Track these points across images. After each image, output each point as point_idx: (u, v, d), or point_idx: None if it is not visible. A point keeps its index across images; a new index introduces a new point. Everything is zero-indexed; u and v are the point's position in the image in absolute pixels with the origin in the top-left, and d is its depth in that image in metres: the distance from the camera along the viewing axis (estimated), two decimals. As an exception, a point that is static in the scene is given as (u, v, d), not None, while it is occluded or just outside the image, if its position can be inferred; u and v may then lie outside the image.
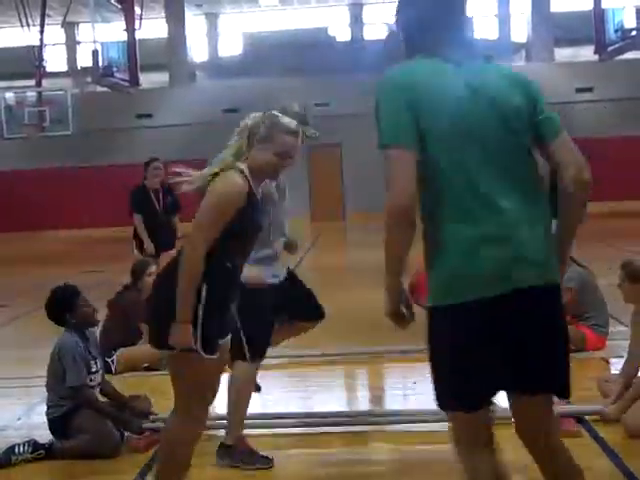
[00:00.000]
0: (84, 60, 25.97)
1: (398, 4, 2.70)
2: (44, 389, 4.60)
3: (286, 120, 3.40)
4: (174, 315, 3.14)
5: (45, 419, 4.52)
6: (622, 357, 4.97)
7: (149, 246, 8.49)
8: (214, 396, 3.45)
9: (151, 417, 4.66)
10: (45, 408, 4.55)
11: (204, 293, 3.16)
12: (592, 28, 21.27)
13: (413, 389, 5.60)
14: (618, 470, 3.82)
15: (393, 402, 5.55)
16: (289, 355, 6.09)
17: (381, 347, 6.51)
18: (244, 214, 3.21)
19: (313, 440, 4.53)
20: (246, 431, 4.27)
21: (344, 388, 6.04)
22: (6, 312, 9.71)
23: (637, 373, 4.59)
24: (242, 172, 3.25)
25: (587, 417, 4.50)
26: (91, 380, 4.52)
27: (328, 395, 5.65)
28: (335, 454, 4.40)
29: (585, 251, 7.48)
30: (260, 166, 3.32)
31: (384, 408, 5.41)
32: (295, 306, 4.50)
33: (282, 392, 5.68)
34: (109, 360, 6.04)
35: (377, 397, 5.69)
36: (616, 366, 5.39)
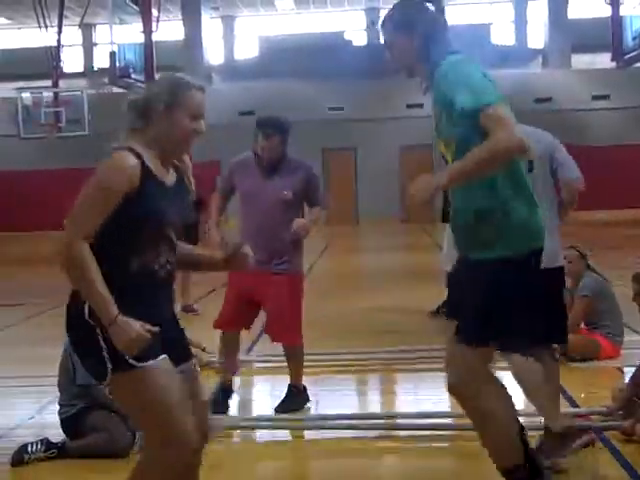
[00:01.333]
0: (101, 61, 26.14)
1: (407, 21, 3.20)
2: (56, 388, 4.61)
3: (187, 77, 2.81)
4: (92, 339, 2.61)
5: (57, 418, 4.53)
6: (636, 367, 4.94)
7: None
8: (201, 428, 2.74)
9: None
10: (57, 407, 4.56)
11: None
12: (609, 35, 21.19)
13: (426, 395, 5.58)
14: (632, 480, 3.80)
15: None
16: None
17: (395, 349, 6.51)
18: (138, 200, 2.62)
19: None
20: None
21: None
22: (20, 311, 9.76)
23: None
24: (132, 150, 2.68)
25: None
26: (103, 379, 4.51)
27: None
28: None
29: (602, 259, 7.45)
30: (171, 138, 2.73)
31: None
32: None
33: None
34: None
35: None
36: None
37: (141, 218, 2.65)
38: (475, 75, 3.00)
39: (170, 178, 2.80)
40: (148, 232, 2.68)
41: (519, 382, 4.02)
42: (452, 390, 3.15)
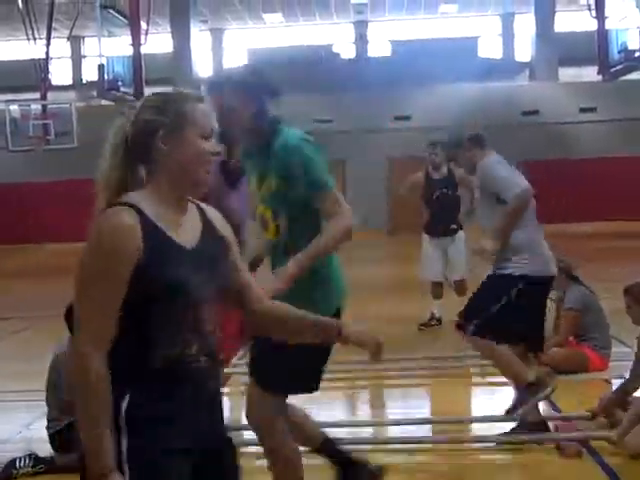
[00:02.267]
0: (89, 74, 26.12)
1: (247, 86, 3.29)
2: (44, 403, 4.59)
3: (185, 90, 2.15)
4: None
5: (46, 433, 4.51)
6: (624, 378, 4.97)
7: None
8: None
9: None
10: (45, 422, 4.54)
11: (125, 406, 1.91)
12: (596, 48, 21.36)
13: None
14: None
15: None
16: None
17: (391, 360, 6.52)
18: (144, 270, 1.91)
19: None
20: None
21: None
22: (6, 326, 9.71)
23: (635, 391, 4.60)
24: (125, 203, 1.96)
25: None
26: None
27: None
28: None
29: (588, 271, 7.49)
30: (183, 169, 2.02)
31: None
32: None
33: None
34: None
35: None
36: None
37: (152, 295, 1.93)
38: (318, 157, 3.26)
39: (190, 233, 2.04)
40: (164, 314, 1.94)
41: (489, 359, 4.79)
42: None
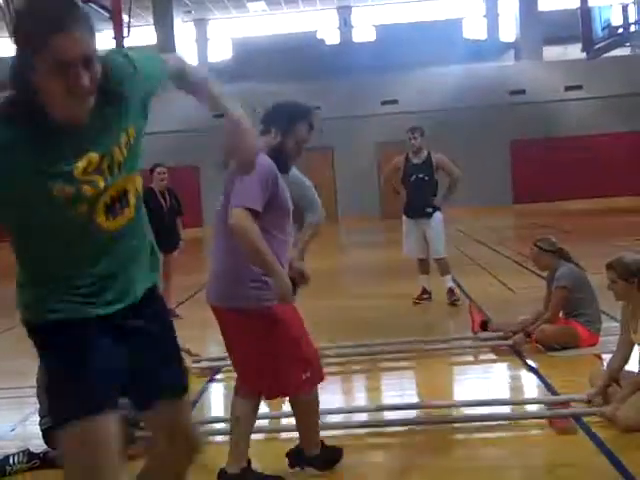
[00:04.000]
0: (73, 69, 25.89)
1: None
2: (37, 399, 4.58)
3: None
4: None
5: (39, 428, 4.50)
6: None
7: None
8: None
9: (142, 425, 4.65)
10: (38, 418, 4.53)
11: None
12: (579, 26, 21.38)
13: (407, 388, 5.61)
14: (612, 466, 3.83)
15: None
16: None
17: (376, 346, 6.54)
18: None
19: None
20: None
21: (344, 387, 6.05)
22: (-1, 323, 9.70)
23: (624, 366, 4.62)
24: None
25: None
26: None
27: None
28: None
29: (576, 248, 7.51)
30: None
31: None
32: None
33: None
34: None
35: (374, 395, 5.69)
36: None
37: None
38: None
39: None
40: None
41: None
42: None
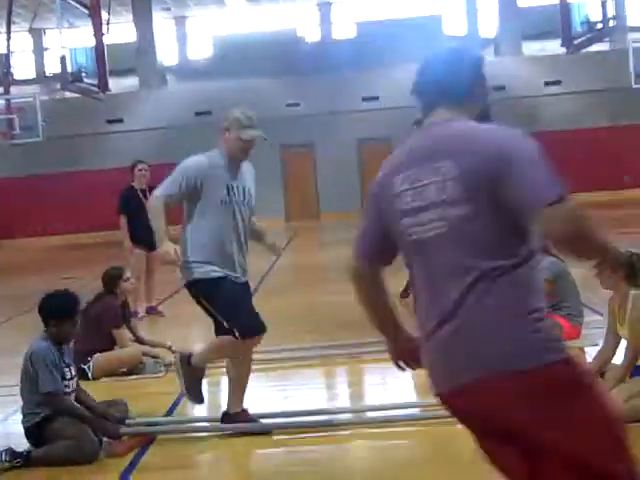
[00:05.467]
0: (52, 66, 25.76)
1: None
2: (20, 397, 4.55)
3: None
4: None
5: (22, 427, 4.48)
6: (598, 345, 5.03)
7: (128, 244, 8.85)
8: None
9: (127, 422, 4.64)
10: (21, 417, 4.50)
11: None
12: (559, 22, 21.47)
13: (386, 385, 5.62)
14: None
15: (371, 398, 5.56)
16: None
17: (357, 343, 6.54)
18: None
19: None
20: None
21: (325, 385, 6.05)
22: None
23: (612, 358, 4.65)
24: None
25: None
26: (66, 387, 4.48)
27: (307, 393, 5.65)
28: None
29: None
30: None
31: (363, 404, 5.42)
32: None
33: (265, 390, 5.67)
34: (85, 367, 5.99)
35: (356, 394, 5.70)
36: (592, 355, 5.44)
37: None
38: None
39: None
40: None
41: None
42: None
